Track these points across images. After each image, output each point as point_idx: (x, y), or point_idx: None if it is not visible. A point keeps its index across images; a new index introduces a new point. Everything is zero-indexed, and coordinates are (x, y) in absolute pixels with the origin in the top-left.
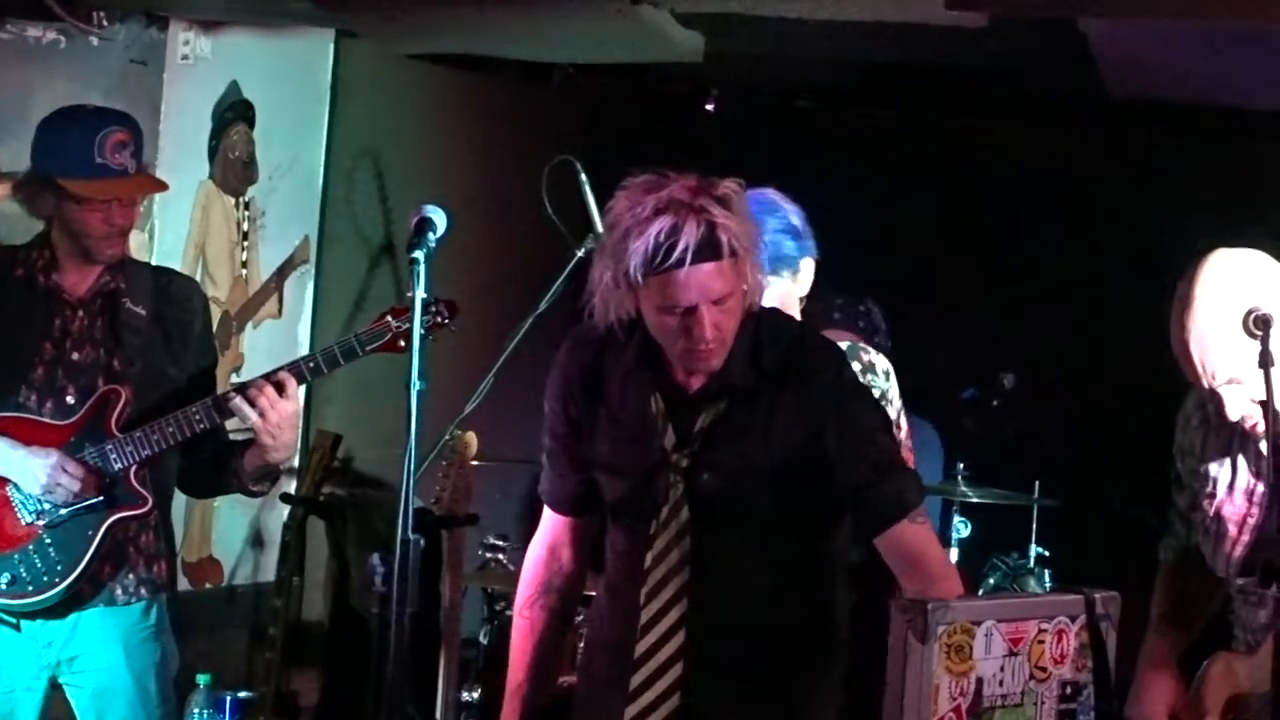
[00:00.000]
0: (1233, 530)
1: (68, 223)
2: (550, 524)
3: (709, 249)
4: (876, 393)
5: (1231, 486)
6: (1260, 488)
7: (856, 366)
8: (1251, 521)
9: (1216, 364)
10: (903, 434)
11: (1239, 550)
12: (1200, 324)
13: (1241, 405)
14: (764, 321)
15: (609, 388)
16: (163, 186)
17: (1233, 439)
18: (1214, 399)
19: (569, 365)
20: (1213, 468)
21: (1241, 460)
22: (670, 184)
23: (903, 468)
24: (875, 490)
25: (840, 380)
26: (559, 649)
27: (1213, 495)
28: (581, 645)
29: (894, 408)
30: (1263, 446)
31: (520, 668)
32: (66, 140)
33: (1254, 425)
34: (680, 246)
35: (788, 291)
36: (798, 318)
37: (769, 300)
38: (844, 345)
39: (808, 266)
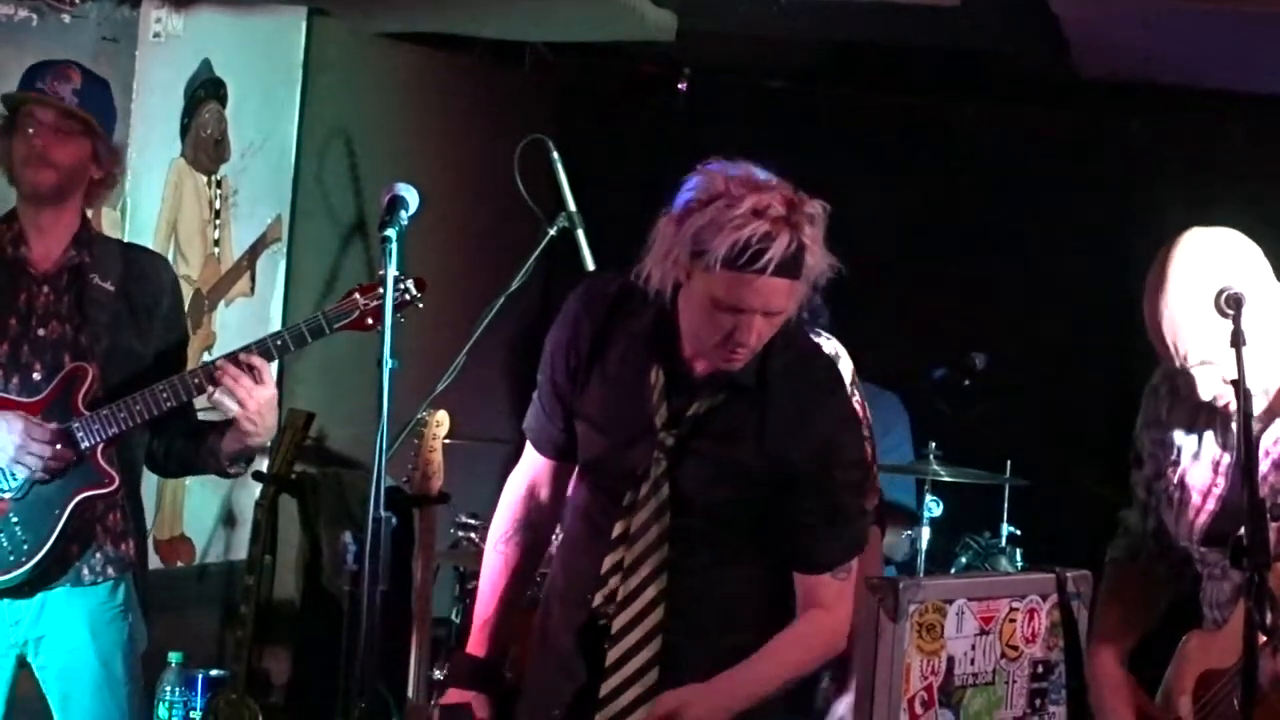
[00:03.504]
0: (1197, 499)
1: (10, 160)
2: (532, 462)
3: (791, 267)
4: None
5: (1197, 456)
6: (1226, 459)
7: None
8: (1216, 491)
9: (1188, 345)
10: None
11: (1203, 518)
12: (1172, 304)
13: (1213, 386)
14: (780, 329)
15: (611, 346)
16: (88, 122)
17: (1200, 410)
18: (1185, 378)
19: (579, 314)
20: (1178, 436)
21: (1209, 432)
22: (769, 189)
23: (851, 522)
24: (816, 536)
25: (834, 415)
26: (528, 585)
27: (1177, 463)
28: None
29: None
30: (1232, 424)
31: (491, 602)
32: (28, 72)
33: (1225, 404)
34: (768, 255)
35: None
36: None
37: None
38: (825, 339)
39: None
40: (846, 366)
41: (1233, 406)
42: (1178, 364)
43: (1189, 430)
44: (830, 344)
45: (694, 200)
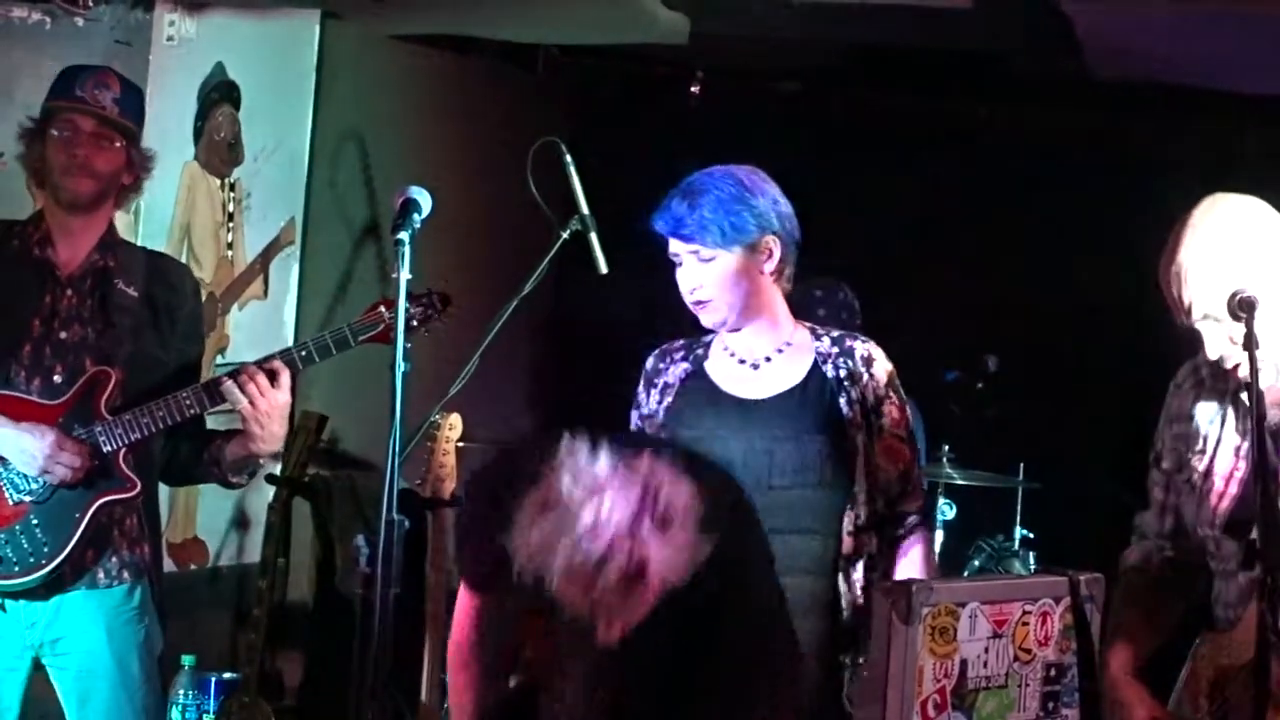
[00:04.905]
0: (1220, 484)
1: (45, 166)
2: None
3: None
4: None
5: (1220, 441)
6: (1246, 445)
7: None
8: (1238, 475)
9: (1193, 296)
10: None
11: (1225, 503)
12: (1184, 257)
13: (1220, 344)
14: None
15: None
16: (129, 131)
17: (1223, 399)
18: (1193, 337)
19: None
20: (1203, 425)
21: (1231, 420)
22: (614, 487)
23: None
24: None
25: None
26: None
27: (1202, 451)
28: None
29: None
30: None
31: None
32: (61, 77)
33: (1235, 367)
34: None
35: (747, 263)
36: (771, 289)
37: (725, 272)
38: (860, 341)
39: (770, 243)
40: (883, 367)
41: (1242, 373)
42: (1182, 319)
43: (1212, 418)
44: (865, 346)
45: (538, 499)
